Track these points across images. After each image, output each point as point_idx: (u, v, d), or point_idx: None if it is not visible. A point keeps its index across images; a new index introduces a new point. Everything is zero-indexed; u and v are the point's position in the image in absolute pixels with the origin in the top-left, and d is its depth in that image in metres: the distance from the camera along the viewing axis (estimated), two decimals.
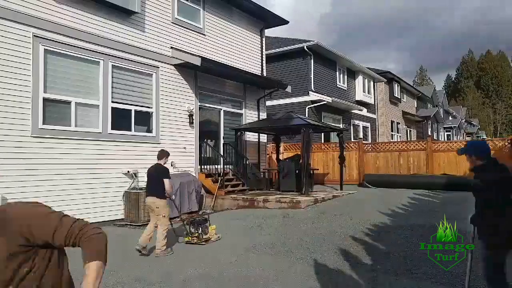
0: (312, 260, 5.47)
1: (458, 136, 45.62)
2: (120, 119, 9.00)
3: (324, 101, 18.07)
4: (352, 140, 19.86)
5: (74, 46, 8.09)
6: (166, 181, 6.08)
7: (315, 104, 18.20)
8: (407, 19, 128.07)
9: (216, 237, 6.84)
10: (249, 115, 13.03)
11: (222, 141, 12.03)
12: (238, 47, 12.71)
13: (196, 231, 6.65)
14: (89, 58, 8.42)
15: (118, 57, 8.94)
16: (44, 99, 7.58)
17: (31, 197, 7.23)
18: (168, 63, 10.16)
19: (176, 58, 10.21)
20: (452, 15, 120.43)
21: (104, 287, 4.65)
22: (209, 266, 5.32)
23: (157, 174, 6.13)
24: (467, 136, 50.62)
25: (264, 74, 13.93)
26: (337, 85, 21.14)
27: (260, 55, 13.69)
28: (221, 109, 12.14)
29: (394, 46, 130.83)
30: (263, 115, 13.68)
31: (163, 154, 6.40)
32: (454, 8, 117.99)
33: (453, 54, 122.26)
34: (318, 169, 14.91)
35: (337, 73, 21.21)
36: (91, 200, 8.19)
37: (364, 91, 23.65)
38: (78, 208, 7.93)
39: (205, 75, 11.22)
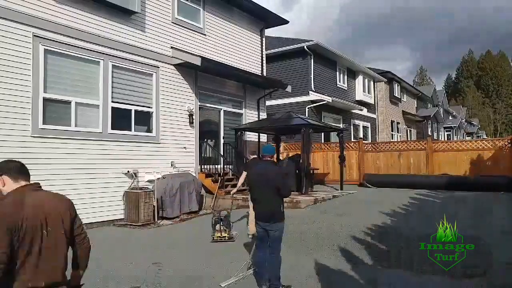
0: (313, 260, 5.47)
1: (458, 136, 45.63)
2: (120, 119, 8.99)
3: (324, 101, 18.06)
4: (352, 140, 19.86)
5: (74, 46, 8.09)
6: None
7: (315, 104, 18.20)
8: (408, 19, 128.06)
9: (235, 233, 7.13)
10: (249, 115, 13.03)
11: (222, 141, 12.03)
12: (238, 47, 12.72)
13: (226, 228, 6.88)
14: (89, 58, 8.42)
15: (118, 57, 8.94)
16: (44, 99, 7.58)
17: None
18: (168, 63, 10.16)
19: (176, 58, 10.21)
20: (452, 15, 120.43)
21: (104, 287, 4.66)
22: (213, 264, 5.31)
23: None
24: (467, 136, 50.64)
25: (264, 74, 13.93)
26: (337, 85, 21.14)
27: (260, 55, 13.69)
28: (221, 109, 12.14)
29: (395, 46, 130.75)
30: (263, 115, 13.68)
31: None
32: (455, 8, 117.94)
33: (454, 54, 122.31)
34: (318, 169, 14.90)
35: (337, 73, 21.21)
36: (89, 200, 8.18)
37: (364, 91, 23.65)
38: (77, 208, 7.90)
39: (205, 75, 11.22)
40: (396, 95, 27.55)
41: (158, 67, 9.89)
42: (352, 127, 22.23)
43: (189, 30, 10.93)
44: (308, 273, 4.93)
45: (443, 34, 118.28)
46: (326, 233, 6.90)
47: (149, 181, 9.12)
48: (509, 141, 12.87)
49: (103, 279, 4.88)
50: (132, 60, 9.24)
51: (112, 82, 8.83)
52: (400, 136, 28.33)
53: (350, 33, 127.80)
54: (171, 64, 10.23)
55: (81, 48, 8.22)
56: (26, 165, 2.36)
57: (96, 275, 5.03)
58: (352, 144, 15.88)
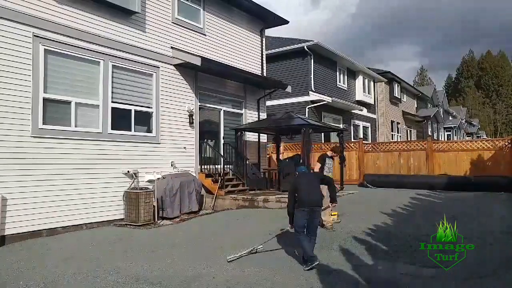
0: None
1: (458, 136, 45.63)
2: (120, 119, 8.99)
3: (324, 101, 18.08)
4: (352, 140, 19.86)
5: (74, 46, 8.09)
6: None
7: (315, 104, 18.21)
8: (408, 18, 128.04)
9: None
10: (249, 115, 13.03)
11: (222, 141, 12.03)
12: (238, 47, 12.71)
13: None
14: (89, 58, 8.42)
15: (119, 57, 8.93)
16: (44, 99, 7.57)
17: (30, 197, 7.24)
18: (168, 63, 10.16)
19: (177, 58, 10.21)
20: (453, 14, 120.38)
21: (104, 287, 4.66)
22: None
23: None
24: (467, 136, 50.64)
25: (264, 74, 13.93)
26: (337, 85, 21.15)
27: (260, 55, 13.69)
28: (221, 109, 12.13)
29: (397, 47, 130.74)
30: (263, 115, 13.67)
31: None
32: (456, 7, 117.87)
33: (454, 54, 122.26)
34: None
35: (337, 73, 21.22)
36: (90, 200, 8.18)
37: (364, 91, 23.67)
38: (77, 208, 7.93)
39: (205, 75, 11.22)
40: (396, 95, 27.57)
41: (158, 67, 9.89)
42: (352, 127, 22.24)
43: (189, 30, 10.93)
44: (308, 273, 4.93)
45: (444, 34, 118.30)
46: (326, 233, 6.89)
47: (149, 181, 9.11)
48: (509, 142, 12.87)
49: (103, 279, 4.88)
50: (132, 60, 9.24)
51: (112, 82, 8.83)
52: (400, 136, 28.35)
53: (356, 33, 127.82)
54: (171, 64, 10.23)
55: (81, 48, 8.22)
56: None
57: (96, 274, 5.03)
58: (352, 144, 15.90)
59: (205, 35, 11.48)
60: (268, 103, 15.77)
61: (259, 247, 5.88)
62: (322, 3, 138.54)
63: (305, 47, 18.12)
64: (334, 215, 7.75)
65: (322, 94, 18.41)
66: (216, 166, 11.14)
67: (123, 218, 8.65)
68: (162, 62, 9.99)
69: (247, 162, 11.92)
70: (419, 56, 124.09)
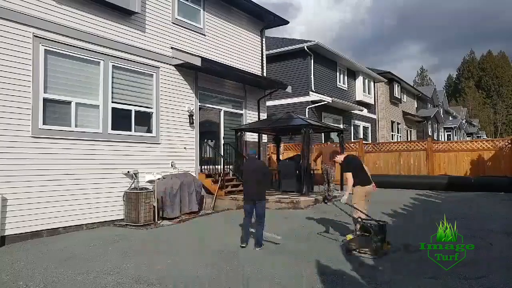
0: (314, 261, 5.47)
1: (459, 136, 45.62)
2: (120, 119, 8.99)
3: (325, 101, 18.07)
4: (353, 140, 19.85)
5: (74, 46, 8.09)
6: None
7: (316, 104, 18.21)
8: (407, 17, 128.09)
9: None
10: (250, 115, 13.03)
11: (222, 141, 12.02)
12: (238, 47, 12.71)
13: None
14: (90, 58, 8.42)
15: (119, 57, 8.93)
16: (44, 99, 7.57)
17: (35, 197, 7.24)
18: (168, 63, 10.16)
19: (176, 58, 10.21)
20: (453, 14, 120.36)
21: (104, 287, 4.65)
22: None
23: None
24: (467, 136, 50.64)
25: (265, 74, 13.93)
26: (337, 85, 21.14)
27: (260, 55, 13.69)
28: (221, 109, 12.13)
29: (399, 47, 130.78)
30: (264, 115, 13.67)
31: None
32: (456, 7, 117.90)
33: (455, 54, 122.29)
34: (318, 170, 14.88)
35: (337, 73, 21.22)
36: (89, 200, 8.16)
37: (364, 91, 23.66)
38: (77, 209, 7.92)
39: (205, 75, 11.22)
40: (396, 95, 27.56)
41: (158, 68, 9.89)
42: (352, 127, 22.24)
43: (189, 31, 10.93)
44: (308, 274, 4.93)
45: (445, 34, 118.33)
46: (327, 234, 6.89)
47: (149, 181, 9.10)
48: (509, 142, 12.87)
49: (103, 279, 4.87)
50: (132, 61, 9.24)
51: (112, 82, 8.83)
52: (400, 136, 28.34)
53: (358, 34, 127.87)
54: (171, 65, 10.23)
55: (81, 48, 8.22)
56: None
57: (96, 274, 5.03)
58: (352, 144, 15.91)
59: (205, 35, 11.48)
60: (269, 103, 15.78)
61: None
62: (339, 4, 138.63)
63: (305, 47, 18.13)
64: None
65: (322, 94, 18.41)
66: (216, 166, 11.14)
67: (123, 219, 8.65)
68: (162, 62, 9.99)
69: None
70: (421, 56, 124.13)
